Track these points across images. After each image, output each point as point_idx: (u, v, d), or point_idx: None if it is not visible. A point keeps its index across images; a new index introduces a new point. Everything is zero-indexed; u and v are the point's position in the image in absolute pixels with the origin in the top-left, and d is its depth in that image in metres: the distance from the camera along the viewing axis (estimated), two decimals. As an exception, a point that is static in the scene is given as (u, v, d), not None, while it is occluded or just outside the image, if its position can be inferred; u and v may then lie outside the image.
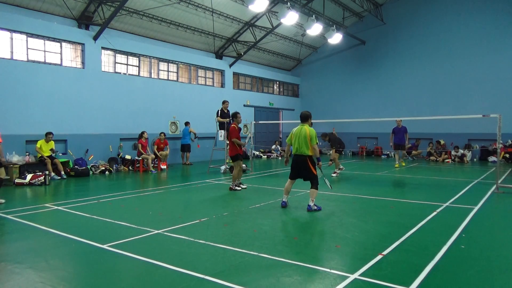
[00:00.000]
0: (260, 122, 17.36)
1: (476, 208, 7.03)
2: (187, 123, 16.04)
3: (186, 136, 15.82)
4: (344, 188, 9.49)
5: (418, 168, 14.64)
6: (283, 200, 7.21)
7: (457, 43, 18.90)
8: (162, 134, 14.59)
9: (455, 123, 17.89)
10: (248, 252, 4.53)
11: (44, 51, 12.36)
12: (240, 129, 9.29)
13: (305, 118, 7.11)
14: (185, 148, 15.91)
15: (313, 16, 16.31)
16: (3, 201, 7.75)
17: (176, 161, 16.30)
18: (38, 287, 3.60)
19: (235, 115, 9.53)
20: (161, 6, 14.62)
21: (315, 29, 16.53)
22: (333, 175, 12.04)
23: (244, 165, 13.28)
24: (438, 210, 6.85)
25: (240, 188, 9.26)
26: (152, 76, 16.00)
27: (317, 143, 6.91)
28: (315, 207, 6.91)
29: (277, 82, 23.86)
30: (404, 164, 14.47)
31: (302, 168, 6.96)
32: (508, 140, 16.98)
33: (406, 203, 7.76)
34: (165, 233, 5.38)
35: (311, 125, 7.23)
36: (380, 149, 20.77)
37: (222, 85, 19.50)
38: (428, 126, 18.83)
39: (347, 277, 3.76)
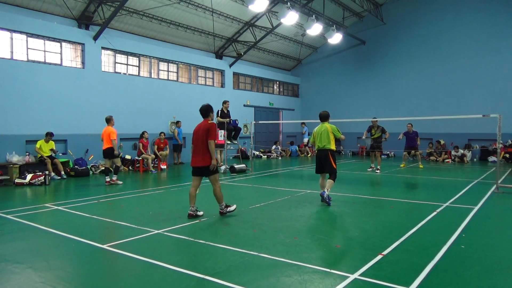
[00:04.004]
0: (260, 122, 17.35)
1: (476, 208, 7.03)
2: (178, 124, 16.01)
3: (178, 136, 15.86)
4: (344, 188, 9.49)
5: (418, 168, 14.64)
6: (321, 192, 7.49)
7: (457, 43, 18.90)
8: (162, 134, 14.60)
9: (455, 123, 17.87)
10: (248, 252, 4.53)
11: (44, 51, 12.36)
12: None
13: (325, 117, 7.73)
14: (177, 148, 15.99)
15: (313, 16, 16.32)
16: (121, 182, 10.35)
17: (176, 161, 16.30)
18: (38, 287, 3.60)
19: (212, 109, 6.51)
20: (161, 6, 14.62)
21: (315, 29, 16.53)
22: (377, 171, 13.07)
23: (244, 165, 13.30)
24: (438, 210, 6.84)
25: (233, 208, 6.55)
26: (152, 76, 16.00)
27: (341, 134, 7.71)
28: (327, 199, 7.23)
29: (277, 82, 23.86)
30: (421, 166, 14.83)
31: (324, 162, 7.49)
32: (508, 140, 16.98)
33: (406, 203, 7.75)
34: (165, 233, 5.38)
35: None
36: (380, 149, 20.73)
37: (222, 85, 19.50)
38: (428, 126, 18.82)
39: (347, 277, 3.75)
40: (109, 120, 10.46)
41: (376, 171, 13.14)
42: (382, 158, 19.48)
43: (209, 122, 6.32)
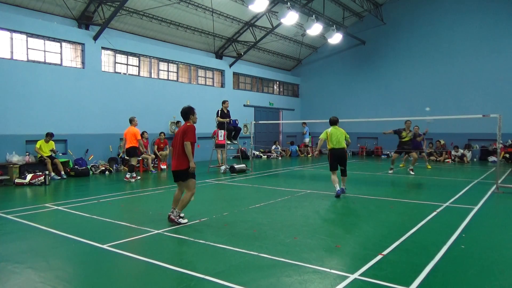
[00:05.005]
0: (260, 122, 17.35)
1: (476, 208, 7.03)
2: (178, 124, 15.99)
3: None
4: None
5: (418, 168, 14.63)
6: (337, 189, 8.17)
7: (457, 43, 18.89)
8: (162, 134, 14.59)
9: (455, 123, 17.87)
10: (248, 252, 4.53)
11: (44, 51, 12.35)
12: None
13: (336, 122, 8.70)
14: None
15: (313, 16, 16.31)
16: (139, 177, 11.17)
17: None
18: (38, 287, 3.60)
19: (193, 111, 6.11)
20: (161, 6, 14.62)
21: (315, 29, 16.53)
22: (412, 172, 12.64)
23: (244, 165, 13.29)
24: (438, 210, 6.84)
25: (185, 221, 5.93)
26: (152, 76, 15.99)
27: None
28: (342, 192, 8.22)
29: (277, 82, 23.85)
30: (429, 166, 14.71)
31: (342, 157, 8.48)
32: (508, 140, 16.97)
33: (406, 203, 7.76)
34: (165, 233, 5.38)
35: None
36: (380, 149, 20.76)
37: (222, 85, 19.50)
38: (428, 126, 18.79)
39: (347, 277, 3.76)
40: (131, 120, 11.29)
41: (411, 172, 12.59)
42: (383, 158, 19.51)
43: (187, 124, 5.96)
